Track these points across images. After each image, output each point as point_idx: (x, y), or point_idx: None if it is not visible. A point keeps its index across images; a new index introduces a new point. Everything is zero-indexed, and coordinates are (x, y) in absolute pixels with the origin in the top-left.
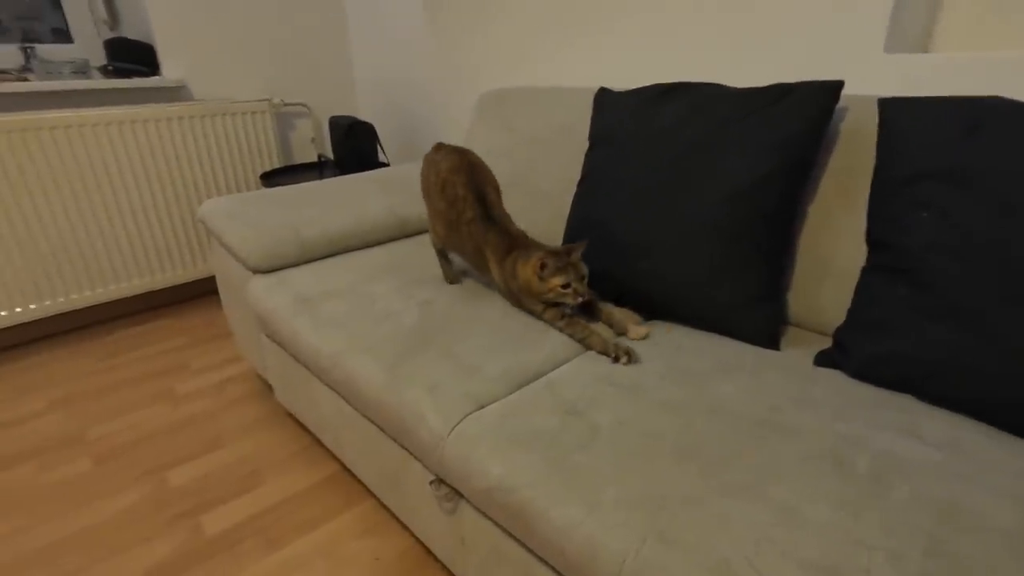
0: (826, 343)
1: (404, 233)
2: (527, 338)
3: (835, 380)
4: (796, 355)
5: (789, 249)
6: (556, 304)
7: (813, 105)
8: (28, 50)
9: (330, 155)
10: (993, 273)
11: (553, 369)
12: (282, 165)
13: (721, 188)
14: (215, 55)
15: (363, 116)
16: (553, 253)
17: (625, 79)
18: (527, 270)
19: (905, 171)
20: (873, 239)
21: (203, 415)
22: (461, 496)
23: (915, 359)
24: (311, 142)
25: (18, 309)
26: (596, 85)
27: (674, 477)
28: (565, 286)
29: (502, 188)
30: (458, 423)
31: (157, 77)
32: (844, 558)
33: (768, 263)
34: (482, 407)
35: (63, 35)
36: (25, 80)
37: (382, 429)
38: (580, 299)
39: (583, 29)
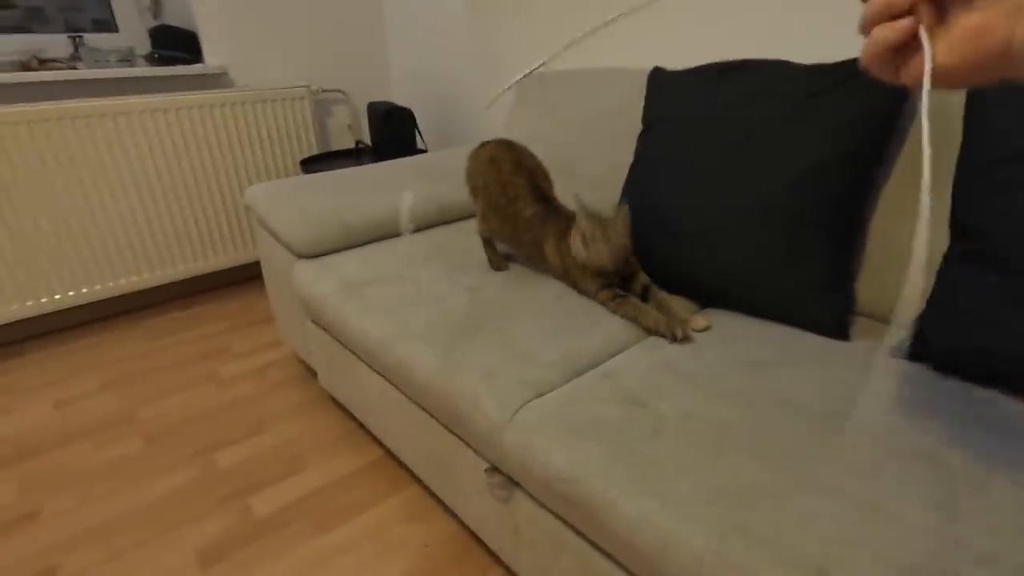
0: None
1: (443, 220)
2: (579, 324)
3: (914, 373)
4: (869, 346)
5: (859, 235)
6: (609, 285)
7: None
8: (76, 39)
9: (367, 141)
10: None
11: (609, 358)
12: (320, 151)
13: (786, 170)
14: (256, 42)
15: (400, 102)
16: (596, 222)
17: (676, 60)
18: (576, 242)
19: (997, 150)
20: (959, 224)
21: (247, 398)
22: (517, 485)
23: (1007, 352)
24: (348, 128)
25: (71, 293)
26: (642, 67)
27: (750, 471)
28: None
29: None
30: (517, 411)
31: (200, 64)
32: (946, 563)
33: (836, 249)
34: (540, 395)
35: (104, 25)
36: (74, 68)
37: (433, 415)
38: (617, 266)
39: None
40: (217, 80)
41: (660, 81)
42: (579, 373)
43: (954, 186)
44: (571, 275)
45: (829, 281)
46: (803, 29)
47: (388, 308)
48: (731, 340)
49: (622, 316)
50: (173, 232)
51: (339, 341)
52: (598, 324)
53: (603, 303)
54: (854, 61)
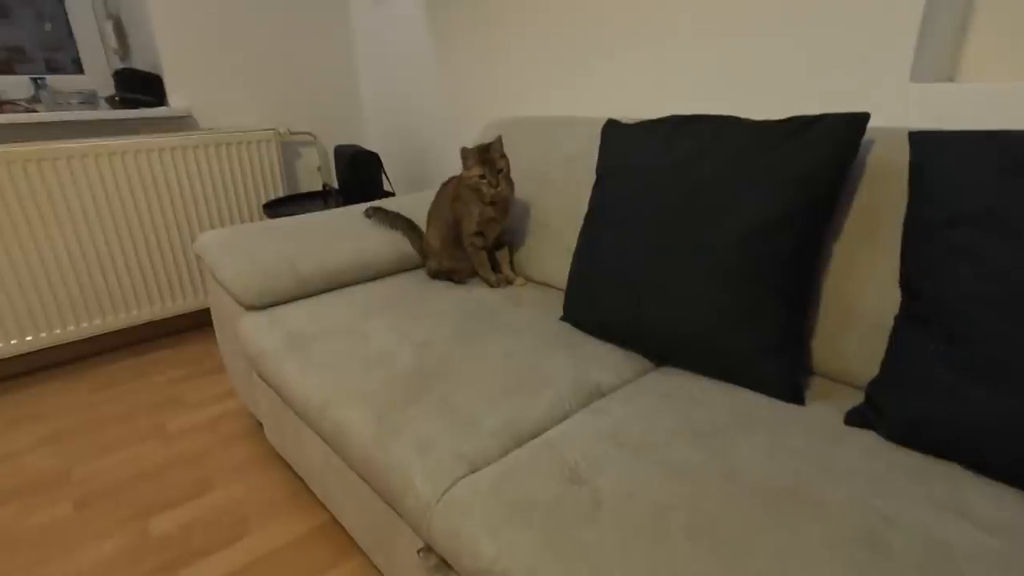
0: (856, 397)
1: (403, 267)
2: (528, 385)
3: (868, 443)
4: (823, 411)
5: (812, 293)
6: (482, 236)
7: (837, 139)
8: (38, 81)
9: (337, 184)
10: None
11: (554, 424)
12: (286, 194)
13: (736, 227)
14: (222, 85)
15: (371, 144)
16: (476, 149)
17: (637, 109)
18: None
19: (940, 213)
20: (907, 285)
21: (193, 454)
22: (451, 568)
23: (956, 423)
24: (317, 171)
25: (13, 341)
26: (606, 115)
27: (688, 560)
28: (481, 176)
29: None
30: (448, 489)
31: (163, 107)
32: None
33: (789, 308)
34: (475, 470)
35: (80, 65)
36: (34, 111)
37: (371, 487)
38: (491, 189)
39: (592, 57)
40: (181, 123)
41: (613, 133)
42: (521, 442)
43: (903, 244)
44: (462, 223)
45: (782, 341)
46: (754, 85)
47: (331, 366)
48: (682, 404)
49: (472, 260)
50: (129, 276)
51: (282, 400)
52: (548, 384)
53: (469, 244)
54: (801, 118)
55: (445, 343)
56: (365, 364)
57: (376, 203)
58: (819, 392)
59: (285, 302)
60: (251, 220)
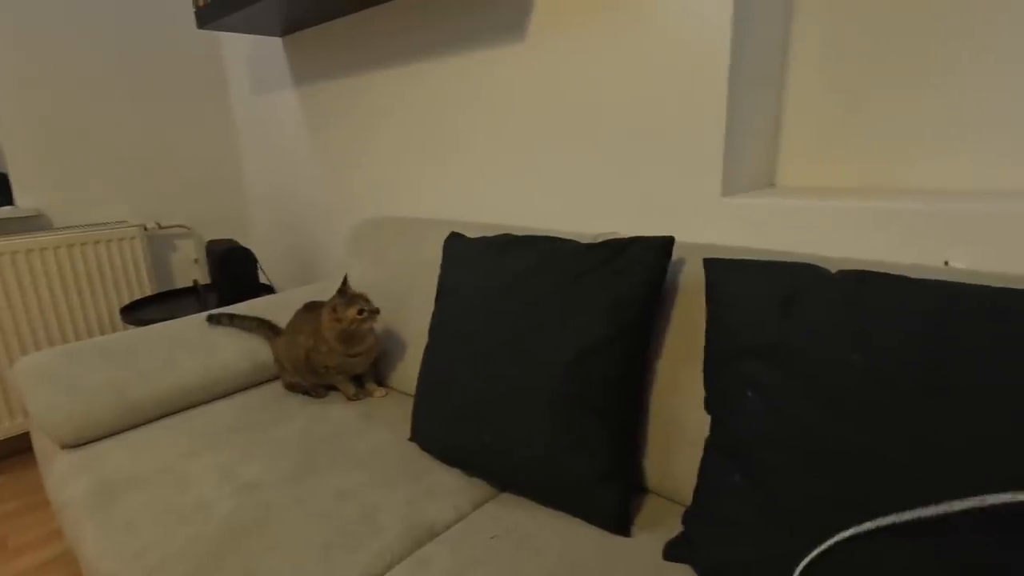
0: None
1: (260, 378)
2: (353, 535)
3: None
4: (648, 543)
5: (639, 413)
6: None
7: (646, 264)
8: None
9: (208, 279)
10: (824, 471)
11: None
12: (155, 292)
13: (563, 351)
14: (82, 179)
15: (255, 237)
16: (337, 296)
17: (485, 212)
18: (326, 323)
19: (731, 342)
20: (710, 411)
21: None
22: None
23: (761, 570)
24: (194, 263)
25: None
26: (473, 217)
27: None
28: (360, 312)
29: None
30: None
31: (8, 207)
32: None
33: (616, 432)
34: None
35: None
36: None
37: None
38: (376, 313)
39: (453, 160)
40: (32, 223)
41: (453, 247)
42: None
43: (704, 369)
44: (321, 353)
45: (609, 469)
46: (584, 197)
47: (133, 525)
48: (509, 552)
49: (335, 381)
50: None
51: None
52: (376, 531)
53: (335, 374)
54: (615, 241)
55: (275, 484)
56: (173, 521)
57: (222, 310)
58: (649, 516)
59: (108, 435)
60: (110, 324)
